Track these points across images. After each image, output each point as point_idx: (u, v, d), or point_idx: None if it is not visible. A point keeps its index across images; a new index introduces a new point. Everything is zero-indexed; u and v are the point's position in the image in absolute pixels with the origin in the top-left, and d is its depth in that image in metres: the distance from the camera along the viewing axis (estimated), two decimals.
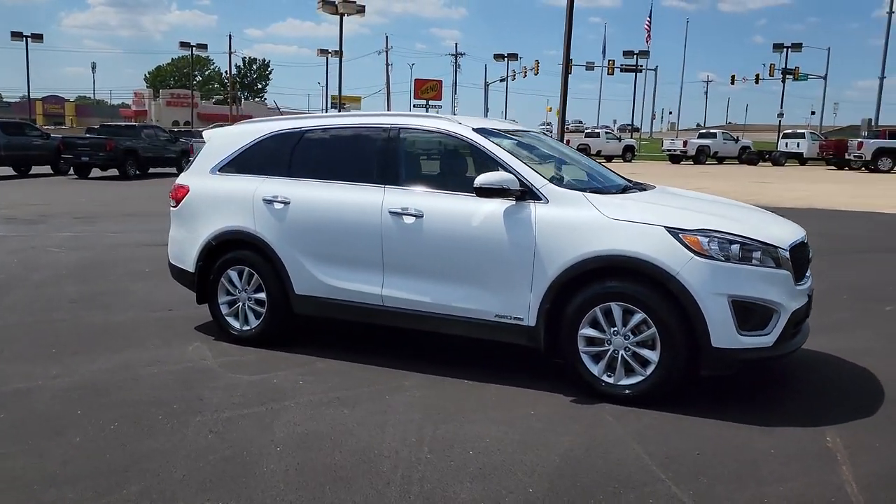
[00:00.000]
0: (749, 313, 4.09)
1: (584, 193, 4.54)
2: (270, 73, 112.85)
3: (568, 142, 33.82)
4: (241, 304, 5.55)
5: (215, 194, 5.64)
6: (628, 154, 45.33)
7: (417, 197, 4.89)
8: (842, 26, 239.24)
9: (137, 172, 23.68)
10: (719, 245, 4.12)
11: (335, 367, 5.02)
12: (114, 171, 23.56)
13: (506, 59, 64.72)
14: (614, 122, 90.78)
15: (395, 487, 3.34)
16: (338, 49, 49.73)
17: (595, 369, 4.37)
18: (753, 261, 4.13)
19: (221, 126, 6.26)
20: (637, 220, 4.30)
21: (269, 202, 5.34)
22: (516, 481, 3.41)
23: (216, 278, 5.60)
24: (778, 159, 40.69)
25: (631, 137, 54.81)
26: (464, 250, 4.69)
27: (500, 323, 4.62)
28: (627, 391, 4.29)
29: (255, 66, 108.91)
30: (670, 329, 4.14)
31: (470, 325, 4.74)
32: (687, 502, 3.23)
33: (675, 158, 42.98)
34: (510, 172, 4.58)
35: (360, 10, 47.27)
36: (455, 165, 5.37)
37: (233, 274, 5.55)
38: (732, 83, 79.15)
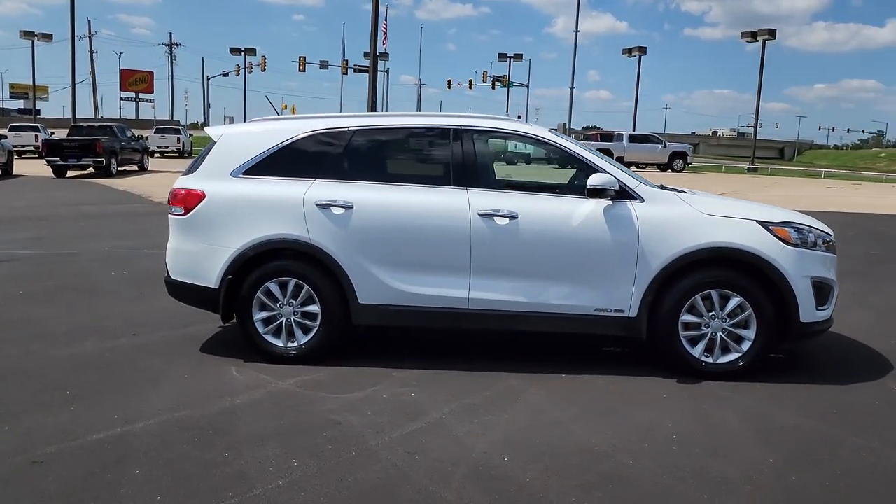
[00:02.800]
0: (820, 291, 4.84)
1: (677, 193, 4.96)
2: None
3: None
4: (283, 319, 5.07)
5: (247, 200, 5.06)
6: None
7: (506, 198, 4.92)
8: (519, 39, 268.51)
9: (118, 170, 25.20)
10: (799, 234, 4.81)
11: (419, 377, 4.84)
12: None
13: (243, 53, 62.40)
14: None
15: (674, 475, 3.48)
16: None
17: (695, 351, 4.82)
18: (819, 247, 4.88)
19: (232, 124, 5.56)
20: (729, 215, 4.83)
21: (325, 207, 4.95)
22: (749, 455, 3.73)
23: (250, 293, 5.04)
24: (512, 160, 44.64)
25: None
26: (563, 249, 4.84)
27: (599, 316, 4.86)
28: (726, 368, 4.80)
29: None
30: (765, 309, 4.73)
31: (566, 320, 4.91)
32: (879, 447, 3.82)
33: None
34: (608, 174, 4.83)
35: None
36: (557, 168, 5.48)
37: (273, 287, 5.05)
38: (449, 87, 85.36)
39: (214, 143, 5.29)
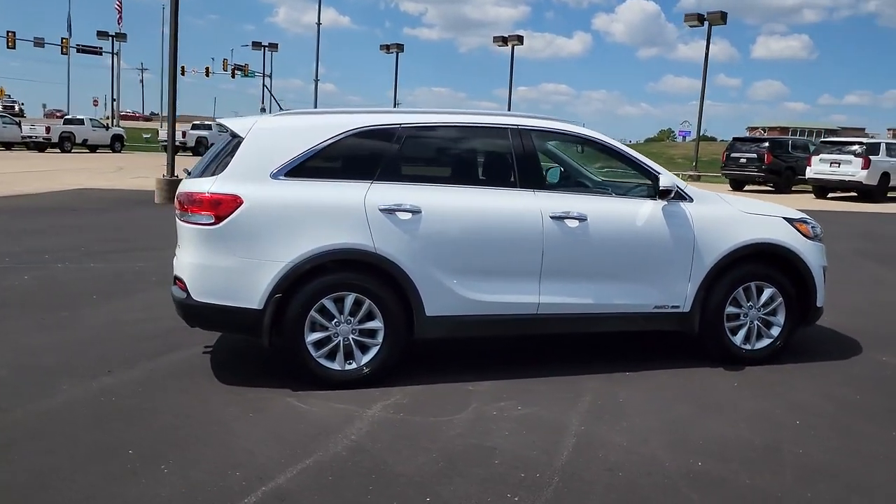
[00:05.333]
0: (824, 278, 5.46)
1: (718, 193, 5.25)
2: None
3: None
4: (340, 339, 4.52)
5: (297, 205, 4.41)
6: (117, 144, 42.15)
7: (574, 200, 4.85)
8: (239, 27, 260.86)
9: None
10: (813, 229, 5.37)
11: (502, 388, 4.61)
12: None
13: None
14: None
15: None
16: None
17: (736, 340, 5.18)
18: (819, 239, 5.49)
19: (262, 117, 4.74)
20: (764, 213, 5.25)
21: (389, 212, 4.49)
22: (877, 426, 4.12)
23: (302, 312, 4.42)
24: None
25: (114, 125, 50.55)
26: (628, 250, 4.90)
27: (657, 313, 5.01)
28: (762, 353, 5.22)
29: None
30: (792, 297, 5.23)
31: (629, 319, 5.00)
32: None
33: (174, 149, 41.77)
34: (668, 175, 4.98)
35: None
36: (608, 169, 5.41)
37: (328, 304, 4.47)
38: (183, 73, 79.95)
39: (240, 139, 4.52)
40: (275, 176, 4.45)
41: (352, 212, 4.45)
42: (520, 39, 40.67)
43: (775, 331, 5.24)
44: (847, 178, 22.15)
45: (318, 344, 4.49)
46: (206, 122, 46.09)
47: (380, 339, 4.56)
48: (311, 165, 4.51)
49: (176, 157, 16.47)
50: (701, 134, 35.42)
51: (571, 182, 5.51)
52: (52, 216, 12.45)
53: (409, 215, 4.51)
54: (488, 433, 3.92)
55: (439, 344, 5.39)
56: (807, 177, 23.20)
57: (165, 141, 41.73)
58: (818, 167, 22.76)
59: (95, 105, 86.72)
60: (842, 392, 4.73)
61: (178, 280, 4.57)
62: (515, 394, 4.52)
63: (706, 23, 30.92)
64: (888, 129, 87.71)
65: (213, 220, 4.35)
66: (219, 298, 4.40)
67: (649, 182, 5.05)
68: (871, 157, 21.86)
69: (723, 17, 30.61)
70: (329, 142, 4.56)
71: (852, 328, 6.20)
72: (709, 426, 4.10)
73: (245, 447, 3.66)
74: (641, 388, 4.69)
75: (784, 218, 5.30)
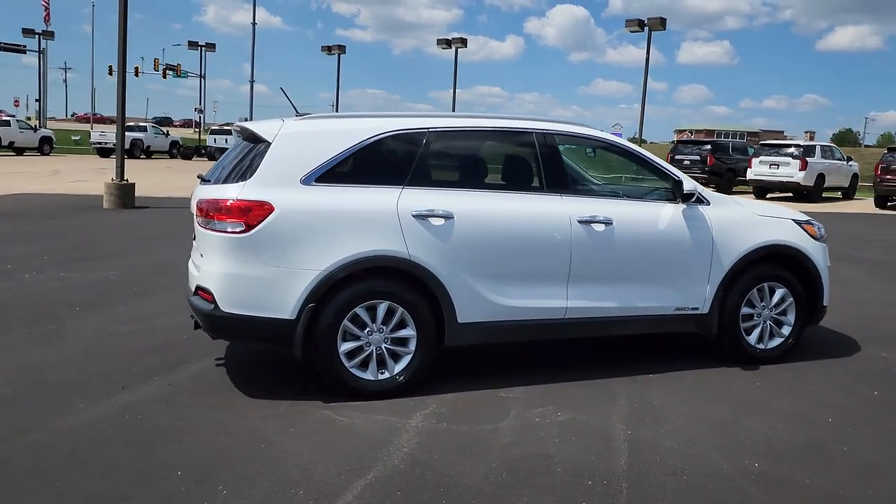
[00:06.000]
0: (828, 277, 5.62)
1: (731, 196, 5.34)
2: None
3: None
4: (372, 348, 4.41)
5: (330, 212, 4.29)
6: (46, 146, 40.43)
7: (599, 204, 4.86)
8: (167, 26, 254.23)
9: None
10: (819, 230, 5.53)
11: (534, 393, 4.58)
12: None
13: None
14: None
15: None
16: None
17: (751, 340, 5.28)
18: (823, 239, 5.65)
19: (287, 121, 4.56)
20: (775, 215, 5.38)
21: (422, 218, 4.40)
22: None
23: (335, 322, 4.29)
24: (213, 154, 42.24)
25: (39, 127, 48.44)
26: (653, 253, 4.94)
27: (678, 315, 5.07)
28: (775, 352, 5.34)
29: None
30: (801, 297, 5.37)
31: (651, 321, 5.04)
32: None
33: (106, 152, 40.31)
34: (690, 180, 5.04)
35: None
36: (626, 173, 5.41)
37: (361, 312, 4.36)
38: (111, 74, 77.27)
39: (266, 143, 4.35)
40: (305, 182, 4.31)
41: (385, 218, 4.35)
42: (463, 42, 40.81)
43: (786, 330, 5.37)
44: (785, 180, 23.00)
45: (350, 354, 4.37)
46: (141, 124, 44.72)
47: (412, 347, 4.47)
48: (341, 171, 4.39)
49: (110, 159, 15.84)
50: (633, 136, 36.22)
51: (591, 186, 5.53)
52: (1, 223, 11.82)
53: (441, 221, 4.44)
54: (539, 441, 3.88)
55: (462, 351, 5.33)
56: (747, 178, 24.00)
57: (98, 143, 40.89)
58: (758, 169, 23.57)
59: (17, 105, 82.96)
60: (859, 388, 4.87)
61: (201, 290, 4.38)
62: (550, 399, 4.49)
63: (646, 28, 31.67)
64: (805, 132, 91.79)
65: (242, 228, 4.18)
66: (249, 309, 4.23)
67: (666, 186, 5.11)
68: (807, 158, 22.78)
69: (662, 22, 31.43)
70: (358, 146, 4.44)
71: (837, 325, 6.38)
72: (749, 427, 4.16)
73: (298, 464, 3.52)
74: (670, 389, 4.73)
75: (793, 220, 5.44)
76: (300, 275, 4.21)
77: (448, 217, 4.45)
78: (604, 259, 4.83)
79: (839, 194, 25.03)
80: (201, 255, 4.43)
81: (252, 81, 58.51)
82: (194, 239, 4.79)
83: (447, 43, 40.92)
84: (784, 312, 5.36)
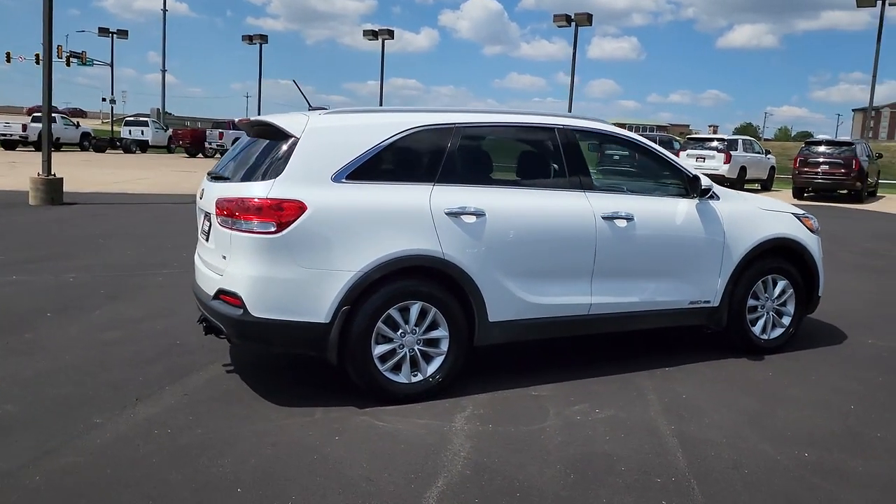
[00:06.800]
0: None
1: (736, 191, 5.45)
2: None
3: None
4: (405, 350, 4.29)
5: (363, 210, 4.13)
6: None
7: (620, 200, 4.87)
8: (62, 13, 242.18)
9: None
10: (814, 223, 5.72)
11: (565, 390, 4.57)
12: None
13: None
14: None
15: None
16: None
17: (756, 331, 5.42)
18: (817, 232, 5.84)
19: (314, 115, 4.33)
20: (777, 210, 5.53)
21: (454, 215, 4.30)
22: None
23: (370, 324, 4.15)
24: (129, 146, 40.44)
25: None
26: (670, 247, 5.00)
27: (691, 309, 5.15)
28: (777, 342, 5.50)
29: None
30: (800, 288, 5.55)
31: (667, 315, 5.10)
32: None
33: (11, 144, 37.98)
34: (704, 177, 5.11)
35: None
36: (638, 169, 5.41)
37: (394, 313, 4.23)
38: (9, 60, 72.94)
39: (294, 138, 4.15)
40: (336, 179, 4.13)
41: (419, 216, 4.22)
42: (390, 34, 40.49)
43: (786, 320, 5.54)
44: (711, 172, 23.83)
45: (383, 357, 4.24)
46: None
47: (444, 348, 4.37)
48: (371, 167, 4.24)
49: (17, 151, 14.95)
50: None
51: (605, 182, 5.55)
52: None
53: (473, 218, 4.35)
54: (590, 439, 3.86)
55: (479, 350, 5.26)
56: None
57: (4, 134, 38.37)
58: (685, 162, 24.20)
59: None
60: (863, 375, 5.07)
61: (225, 295, 4.14)
62: (582, 396, 4.48)
63: (573, 23, 32.23)
64: (709, 126, 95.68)
65: (274, 229, 3.97)
66: (281, 313, 4.03)
67: (677, 182, 5.18)
68: (731, 152, 23.74)
69: (589, 18, 32.08)
70: (387, 142, 4.30)
71: (818, 313, 6.63)
72: (783, 416, 4.26)
73: (360, 474, 3.38)
74: (692, 382, 4.80)
75: (792, 214, 5.61)
76: (334, 276, 4.04)
77: (479, 214, 4.36)
78: (625, 254, 4.85)
79: (758, 186, 26.18)
80: (224, 258, 4.19)
81: (164, 70, 56.42)
82: (207, 237, 4.52)
83: (373, 34, 40.52)
84: (784, 303, 5.53)
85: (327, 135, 4.23)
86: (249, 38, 44.64)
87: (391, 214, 4.18)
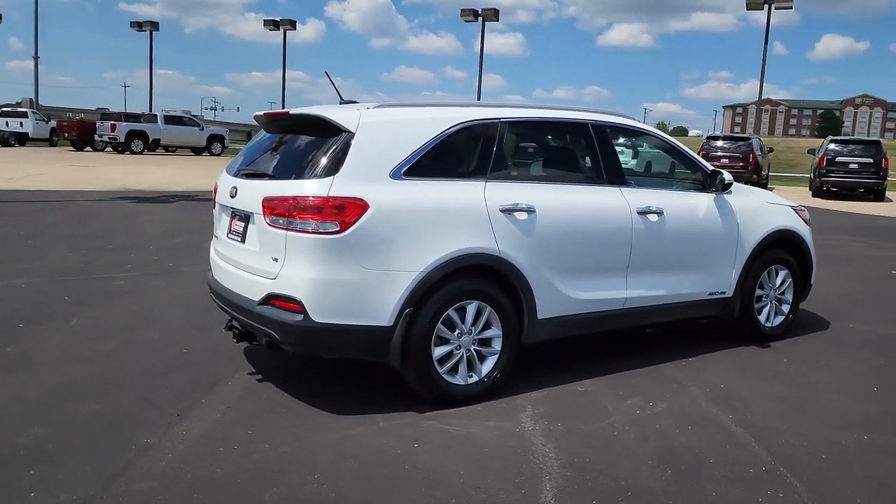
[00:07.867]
0: None
1: (743, 185, 5.63)
2: None
3: None
4: (462, 351, 4.18)
5: (423, 208, 3.98)
6: None
7: (651, 195, 4.94)
8: None
9: None
10: (807, 215, 6.00)
11: (604, 384, 4.58)
12: None
13: None
14: None
15: None
16: None
17: (761, 319, 5.64)
18: (809, 223, 6.12)
19: (366, 110, 4.08)
20: (779, 203, 5.75)
21: (508, 212, 4.22)
22: None
23: (431, 326, 4.02)
24: (7, 139, 37.44)
25: None
26: (695, 241, 5.12)
27: (709, 300, 5.29)
28: (779, 330, 5.73)
29: None
30: (798, 277, 5.81)
31: (689, 307, 5.22)
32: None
33: None
34: (724, 172, 5.25)
35: None
36: (655, 163, 5.43)
37: (452, 314, 4.11)
38: None
39: (348, 133, 3.93)
40: (394, 175, 3.96)
41: (476, 213, 4.11)
42: (292, 24, 39.46)
43: (786, 308, 5.79)
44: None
45: (441, 360, 4.11)
46: None
47: (497, 347, 4.29)
48: (426, 163, 4.08)
49: None
50: None
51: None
52: None
53: (525, 215, 4.28)
54: (663, 434, 3.88)
55: None
56: None
57: None
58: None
59: None
60: (865, 357, 5.37)
61: (280, 300, 3.88)
62: (627, 391, 4.50)
63: (481, 18, 32.53)
64: None
65: (337, 228, 3.76)
66: (344, 318, 3.82)
67: (695, 177, 5.31)
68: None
69: (496, 14, 32.45)
70: (440, 137, 4.15)
71: None
72: (822, 401, 4.44)
73: (464, 482, 3.25)
74: (720, 372, 4.93)
75: (791, 206, 5.87)
76: (397, 277, 3.87)
77: (531, 211, 4.30)
78: (657, 248, 4.92)
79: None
80: (275, 260, 3.92)
81: (36, 57, 52.48)
82: (242, 238, 4.23)
83: (275, 24, 39.31)
84: (784, 292, 5.78)
85: (383, 129, 4.04)
86: (139, 25, 42.29)
87: (450, 212, 4.05)
